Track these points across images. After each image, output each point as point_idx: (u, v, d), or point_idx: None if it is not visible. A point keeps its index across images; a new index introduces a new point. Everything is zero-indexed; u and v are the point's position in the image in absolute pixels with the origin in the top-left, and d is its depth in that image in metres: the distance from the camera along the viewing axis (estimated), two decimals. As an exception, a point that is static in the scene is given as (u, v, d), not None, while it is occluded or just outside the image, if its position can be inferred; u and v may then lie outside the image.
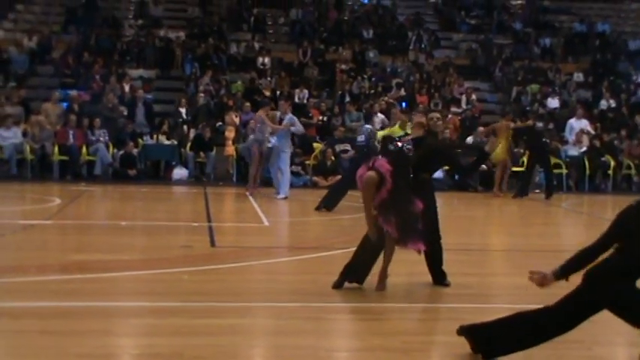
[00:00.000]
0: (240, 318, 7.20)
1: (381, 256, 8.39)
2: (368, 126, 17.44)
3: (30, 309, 7.32)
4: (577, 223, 17.19)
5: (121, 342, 6.50)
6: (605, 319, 7.71)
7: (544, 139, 20.61)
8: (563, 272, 6.09)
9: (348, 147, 21.44)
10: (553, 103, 27.04)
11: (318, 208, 15.44)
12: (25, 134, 21.67)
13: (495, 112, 27.81)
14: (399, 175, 8.05)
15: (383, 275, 8.33)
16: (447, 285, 8.72)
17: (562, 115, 26.09)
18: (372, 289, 8.38)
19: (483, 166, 21.48)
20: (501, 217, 17.48)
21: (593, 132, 24.13)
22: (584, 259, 6.14)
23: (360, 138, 15.58)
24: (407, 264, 10.34)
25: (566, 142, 24.01)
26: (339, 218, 15.02)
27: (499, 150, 20.29)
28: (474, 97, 26.66)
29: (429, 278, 9.26)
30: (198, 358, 5.97)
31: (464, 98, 26.61)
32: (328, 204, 15.48)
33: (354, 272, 8.45)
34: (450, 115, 24.18)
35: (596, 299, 5.82)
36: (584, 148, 23.40)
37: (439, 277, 8.81)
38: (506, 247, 12.59)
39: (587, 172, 22.96)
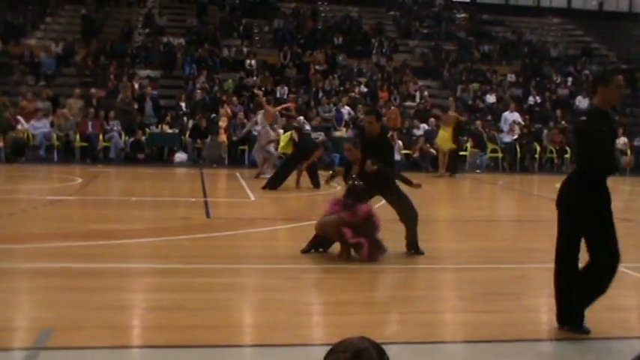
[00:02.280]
0: (232, 277, 7.21)
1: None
2: (300, 117, 17.84)
3: (57, 269, 7.29)
4: (510, 198, 17.32)
5: (133, 297, 6.49)
6: (531, 277, 7.83)
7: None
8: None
9: (322, 134, 21.39)
10: (491, 98, 27.14)
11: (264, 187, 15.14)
12: (52, 125, 21.53)
13: (443, 105, 27.86)
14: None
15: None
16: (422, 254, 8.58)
17: (498, 108, 26.19)
18: (353, 256, 8.41)
19: (432, 150, 21.62)
20: (448, 193, 17.56)
21: (523, 123, 24.25)
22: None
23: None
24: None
25: (501, 131, 24.13)
26: (315, 194, 15.05)
27: (446, 138, 20.35)
28: (426, 93, 26.69)
29: (389, 244, 9.34)
30: (197, 309, 5.98)
31: (417, 94, 26.64)
32: (273, 185, 15.25)
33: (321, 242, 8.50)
34: (392, 107, 24.15)
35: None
36: (516, 136, 23.53)
37: (416, 247, 8.67)
38: (452, 218, 12.67)
39: (519, 155, 23.10)
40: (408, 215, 8.69)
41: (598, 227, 5.45)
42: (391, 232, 8.84)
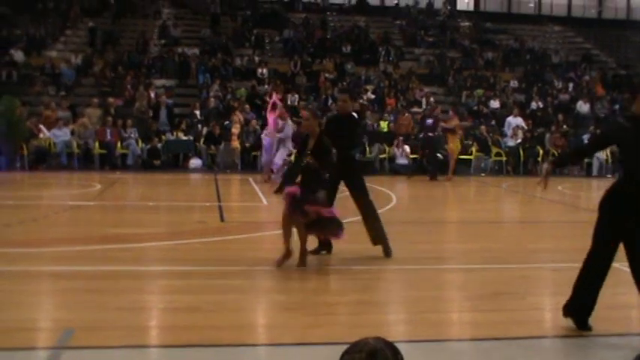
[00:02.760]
0: (245, 279, 7.21)
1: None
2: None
3: (78, 272, 7.32)
4: (514, 201, 17.26)
5: (150, 298, 6.51)
6: (534, 276, 7.80)
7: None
8: (559, 160, 6.09)
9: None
10: (494, 104, 27.07)
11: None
12: (72, 133, 21.60)
13: (448, 111, 27.80)
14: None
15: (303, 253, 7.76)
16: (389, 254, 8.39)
17: (501, 113, 26.13)
18: (348, 255, 8.40)
19: (439, 155, 21.56)
20: (454, 196, 17.53)
21: (526, 127, 24.19)
22: (576, 155, 6.50)
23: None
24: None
25: (505, 136, 24.07)
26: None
27: (457, 143, 20.33)
28: (431, 99, 26.63)
29: (394, 245, 9.34)
30: (211, 311, 5.99)
31: (423, 100, 26.61)
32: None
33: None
34: (405, 114, 24.18)
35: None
36: (519, 140, 23.46)
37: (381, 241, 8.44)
38: (457, 220, 12.64)
39: (522, 159, 23.02)
40: (371, 211, 8.44)
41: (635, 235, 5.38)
42: (396, 233, 8.82)
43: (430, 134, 20.38)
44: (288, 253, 7.62)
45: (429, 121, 20.78)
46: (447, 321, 6.09)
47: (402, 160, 21.86)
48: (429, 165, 20.33)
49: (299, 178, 7.75)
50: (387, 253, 8.37)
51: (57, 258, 8.11)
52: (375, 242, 8.45)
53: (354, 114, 8.60)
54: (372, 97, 26.33)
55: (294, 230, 7.63)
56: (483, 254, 9.04)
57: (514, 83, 29.13)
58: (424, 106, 26.13)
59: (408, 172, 20.33)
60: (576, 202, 16.19)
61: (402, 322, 6.04)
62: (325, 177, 7.53)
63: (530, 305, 6.49)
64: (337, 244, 8.44)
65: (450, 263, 8.51)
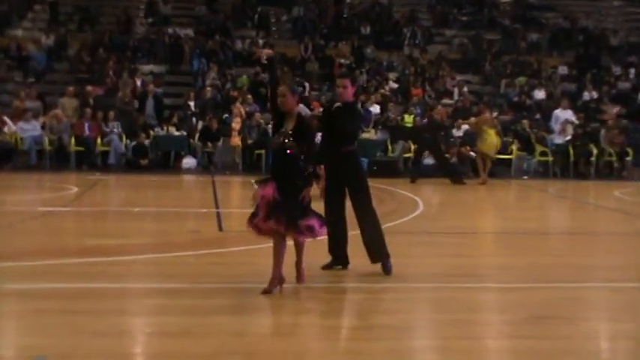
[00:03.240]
0: (246, 298, 7.20)
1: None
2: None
3: (50, 290, 7.33)
4: (562, 207, 17.18)
5: (134, 321, 6.51)
6: (587, 298, 7.76)
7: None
8: None
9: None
10: (539, 94, 26.98)
11: None
12: (43, 127, 21.67)
13: (486, 103, 27.75)
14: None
15: (300, 268, 7.73)
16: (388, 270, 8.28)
17: (548, 106, 26.04)
18: (363, 271, 8.38)
19: (472, 153, 21.51)
20: (491, 201, 17.48)
21: (577, 122, 24.09)
22: None
23: None
24: (404, 246, 10.39)
25: (551, 132, 23.98)
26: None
27: (487, 142, 20.24)
28: (465, 89, 26.59)
29: (422, 259, 9.30)
30: (206, 335, 5.98)
31: (455, 90, 26.56)
32: None
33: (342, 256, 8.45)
34: (439, 107, 24.14)
35: None
36: (569, 137, 23.36)
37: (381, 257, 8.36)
38: (495, 230, 12.60)
39: (572, 159, 22.92)
40: (370, 219, 8.33)
41: None
42: (422, 245, 8.79)
43: (427, 135, 20.30)
44: (280, 278, 7.38)
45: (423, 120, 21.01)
46: (482, 349, 6.05)
47: (429, 160, 21.80)
48: (443, 168, 20.30)
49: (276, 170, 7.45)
50: (387, 269, 8.29)
51: (25, 274, 8.12)
52: (373, 259, 8.32)
53: (354, 103, 8.56)
54: (395, 86, 26.31)
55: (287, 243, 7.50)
56: (526, 271, 8.99)
57: (563, 70, 29.05)
58: (456, 97, 26.10)
59: (413, 174, 20.25)
60: (636, 211, 16.11)
61: (430, 350, 6.01)
62: (307, 169, 7.32)
63: (583, 332, 6.44)
64: (353, 259, 8.42)
65: (485, 281, 8.46)
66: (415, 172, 20.16)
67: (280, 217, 7.12)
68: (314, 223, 7.29)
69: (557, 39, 31.24)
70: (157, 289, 7.57)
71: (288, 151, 7.24)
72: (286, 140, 7.25)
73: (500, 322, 6.78)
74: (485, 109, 21.37)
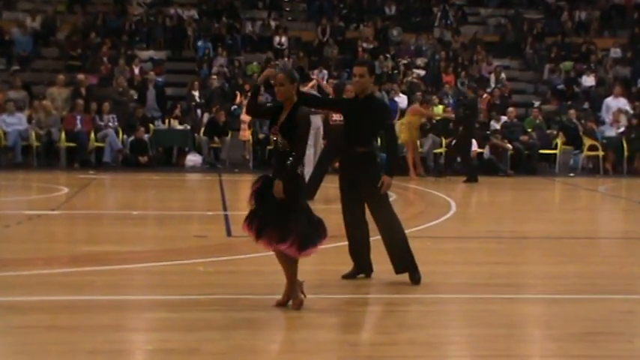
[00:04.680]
0: (258, 311, 7.21)
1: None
2: None
3: (37, 303, 7.36)
4: (615, 209, 17.10)
5: (133, 337, 6.53)
6: (645, 310, 7.72)
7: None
8: None
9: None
10: (588, 81, 26.89)
11: None
12: (29, 120, 21.74)
13: (526, 91, 27.70)
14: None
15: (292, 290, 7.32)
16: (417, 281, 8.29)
17: (598, 93, 25.96)
18: (389, 280, 8.37)
19: (508, 146, 21.46)
20: (533, 202, 17.40)
21: (631, 111, 23.97)
22: None
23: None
24: (434, 252, 10.37)
25: (602, 123, 23.88)
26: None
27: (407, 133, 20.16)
28: (503, 75, 26.54)
29: (455, 267, 9.29)
30: (215, 353, 5.98)
31: (492, 77, 26.50)
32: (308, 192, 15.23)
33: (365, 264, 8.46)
34: (484, 94, 24.16)
35: None
36: (622, 129, 23.25)
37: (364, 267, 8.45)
38: (539, 235, 12.54)
39: (626, 154, 22.79)
40: (390, 223, 8.34)
41: None
42: (455, 251, 8.76)
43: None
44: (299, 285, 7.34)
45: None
46: (525, 369, 6.04)
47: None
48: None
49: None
50: (415, 280, 8.29)
51: (9, 285, 8.14)
52: (397, 269, 8.34)
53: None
54: (423, 73, 26.27)
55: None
56: (574, 280, 8.96)
57: (616, 52, 28.90)
58: (493, 85, 26.03)
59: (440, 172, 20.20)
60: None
61: (466, 370, 6.00)
62: (297, 169, 7.22)
63: (639, 351, 6.41)
64: (376, 266, 8.42)
65: (527, 292, 8.45)
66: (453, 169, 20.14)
67: (272, 233, 7.07)
68: (301, 239, 7.09)
69: (609, 17, 31.10)
70: (159, 300, 7.59)
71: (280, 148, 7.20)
72: (274, 136, 7.21)
73: (545, 338, 6.76)
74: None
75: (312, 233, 7.15)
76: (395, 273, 8.32)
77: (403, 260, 8.30)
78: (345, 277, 8.35)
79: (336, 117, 15.55)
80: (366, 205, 8.34)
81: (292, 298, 7.20)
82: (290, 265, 7.21)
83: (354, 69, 8.38)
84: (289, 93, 7.32)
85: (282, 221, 7.04)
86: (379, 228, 8.32)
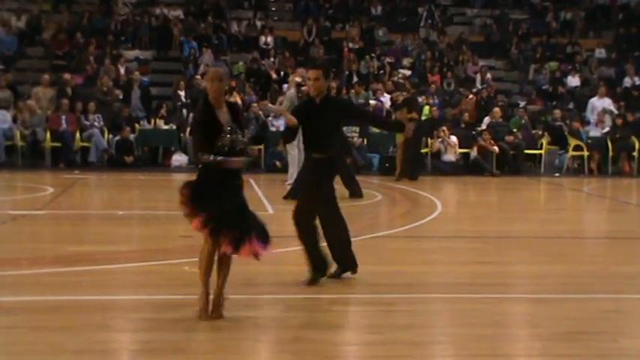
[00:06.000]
0: (245, 311, 7.20)
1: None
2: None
3: (22, 303, 7.33)
4: (600, 209, 17.15)
5: (119, 337, 6.50)
6: (630, 311, 7.74)
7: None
8: None
9: (356, 133, 21.40)
10: (573, 81, 26.99)
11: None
12: (14, 120, 21.67)
13: (512, 91, 27.76)
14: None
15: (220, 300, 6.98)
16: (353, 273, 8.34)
17: (583, 93, 26.05)
18: (374, 280, 8.38)
19: (495, 148, 21.49)
20: (519, 202, 17.45)
21: (616, 111, 24.07)
22: None
23: None
24: (419, 252, 10.39)
25: (587, 123, 23.97)
26: (348, 204, 15.00)
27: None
28: (488, 76, 26.61)
29: (440, 267, 9.31)
30: (201, 353, 5.98)
31: (478, 77, 26.57)
32: (355, 192, 15.48)
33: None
34: (470, 96, 24.21)
35: None
36: (607, 129, 23.35)
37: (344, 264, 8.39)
38: (524, 234, 12.57)
39: (610, 154, 22.88)
40: (336, 223, 8.30)
41: None
42: (441, 251, 8.76)
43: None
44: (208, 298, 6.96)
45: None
46: (511, 368, 6.04)
47: (449, 157, 21.81)
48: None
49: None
50: (354, 272, 8.36)
51: (-4, 284, 8.14)
52: (338, 271, 8.38)
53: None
54: (408, 73, 26.30)
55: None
56: (559, 280, 8.97)
57: (600, 53, 29.01)
58: (479, 86, 26.09)
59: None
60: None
61: (452, 370, 6.01)
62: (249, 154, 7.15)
63: (624, 350, 6.42)
64: (361, 266, 8.42)
65: (513, 291, 8.46)
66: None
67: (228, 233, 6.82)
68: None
69: (594, 18, 31.23)
70: (144, 300, 7.57)
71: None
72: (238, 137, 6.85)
73: (530, 337, 6.77)
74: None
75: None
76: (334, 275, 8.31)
77: (344, 261, 8.31)
78: (331, 276, 8.35)
79: None
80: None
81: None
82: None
83: (309, 72, 8.32)
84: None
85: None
86: (323, 229, 8.25)
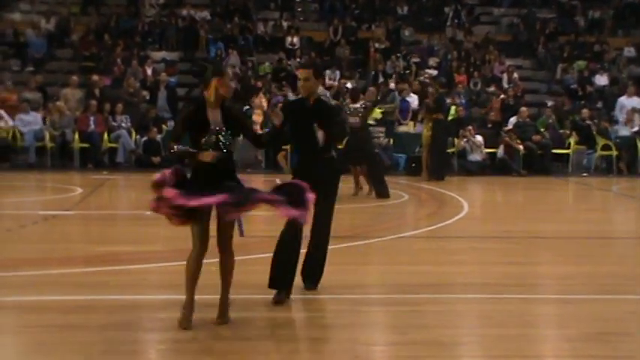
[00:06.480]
0: (272, 311, 7.22)
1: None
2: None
3: (52, 303, 7.40)
4: (628, 209, 17.02)
5: (147, 337, 6.55)
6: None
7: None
8: None
9: (382, 133, 21.38)
10: (601, 80, 26.80)
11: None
12: (44, 121, 21.83)
13: (539, 91, 27.63)
14: None
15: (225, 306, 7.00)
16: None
17: (611, 92, 25.86)
18: (400, 281, 8.38)
19: (521, 147, 21.37)
20: (546, 202, 17.36)
21: (645, 111, 23.88)
22: None
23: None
24: (446, 252, 10.38)
25: (616, 122, 23.79)
26: (375, 205, 15.03)
27: (428, 133, 19.93)
28: (515, 75, 26.46)
29: (467, 267, 9.31)
30: (229, 353, 6.01)
31: (505, 77, 26.44)
32: (382, 193, 15.52)
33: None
34: (500, 95, 24.12)
35: None
36: (636, 128, 23.18)
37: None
38: (552, 235, 12.51)
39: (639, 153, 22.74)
40: (326, 231, 8.09)
41: None
42: (468, 252, 8.74)
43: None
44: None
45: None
46: (538, 369, 6.03)
47: (475, 157, 21.75)
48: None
49: None
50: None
51: (23, 285, 8.20)
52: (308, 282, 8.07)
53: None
54: (435, 73, 26.23)
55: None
56: (587, 280, 8.93)
57: (629, 51, 28.77)
58: (505, 85, 25.98)
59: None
60: None
61: (479, 370, 6.01)
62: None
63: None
64: (387, 266, 8.42)
65: (541, 292, 8.44)
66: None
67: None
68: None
69: (623, 16, 30.96)
70: (173, 300, 7.60)
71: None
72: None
73: (558, 338, 6.76)
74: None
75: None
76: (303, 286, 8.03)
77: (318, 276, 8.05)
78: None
79: (352, 119, 15.70)
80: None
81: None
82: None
83: (298, 72, 8.04)
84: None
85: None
86: (312, 235, 8.00)
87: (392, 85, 24.55)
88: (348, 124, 15.57)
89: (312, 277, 8.00)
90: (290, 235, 7.71)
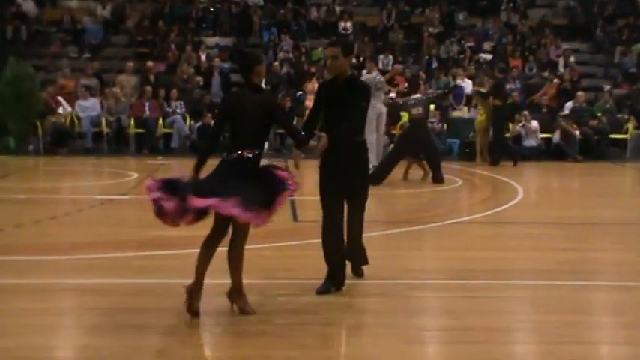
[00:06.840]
0: (324, 295, 7.24)
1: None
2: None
3: (108, 285, 7.51)
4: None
5: (202, 319, 6.60)
6: None
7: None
8: None
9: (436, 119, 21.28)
10: (661, 63, 26.38)
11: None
12: (101, 107, 22.08)
13: (597, 75, 27.26)
14: None
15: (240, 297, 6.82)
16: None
17: (671, 76, 25.45)
18: (457, 265, 8.35)
19: (577, 133, 21.14)
20: (603, 188, 17.17)
21: None
22: None
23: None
24: (501, 238, 10.32)
25: (678, 107, 23.44)
26: (429, 190, 14.99)
27: (482, 118, 19.74)
28: (572, 59, 26.13)
29: (522, 253, 9.24)
30: (281, 336, 6.04)
31: (561, 61, 26.11)
32: (437, 178, 15.46)
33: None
34: (554, 80, 23.87)
35: None
36: (696, 113, 22.82)
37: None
38: (608, 221, 12.38)
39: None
40: (361, 227, 7.84)
41: None
42: (523, 237, 8.66)
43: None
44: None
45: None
46: (593, 356, 5.98)
47: (530, 142, 21.55)
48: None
49: None
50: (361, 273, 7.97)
51: (82, 268, 8.34)
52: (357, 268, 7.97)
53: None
54: (489, 57, 26.00)
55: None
56: (644, 267, 8.85)
57: (689, 34, 28.23)
58: (562, 69, 25.68)
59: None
60: None
61: (533, 356, 5.98)
62: None
63: None
64: (445, 251, 8.39)
65: (597, 279, 8.35)
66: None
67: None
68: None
69: (685, -4, 30.37)
70: (226, 285, 7.66)
71: None
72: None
73: (615, 325, 6.70)
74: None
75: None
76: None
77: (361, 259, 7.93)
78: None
79: (415, 110, 15.61)
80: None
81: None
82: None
83: (326, 50, 7.79)
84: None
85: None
86: (349, 224, 7.72)
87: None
88: (412, 115, 15.63)
89: (357, 261, 7.89)
90: (329, 224, 7.63)
